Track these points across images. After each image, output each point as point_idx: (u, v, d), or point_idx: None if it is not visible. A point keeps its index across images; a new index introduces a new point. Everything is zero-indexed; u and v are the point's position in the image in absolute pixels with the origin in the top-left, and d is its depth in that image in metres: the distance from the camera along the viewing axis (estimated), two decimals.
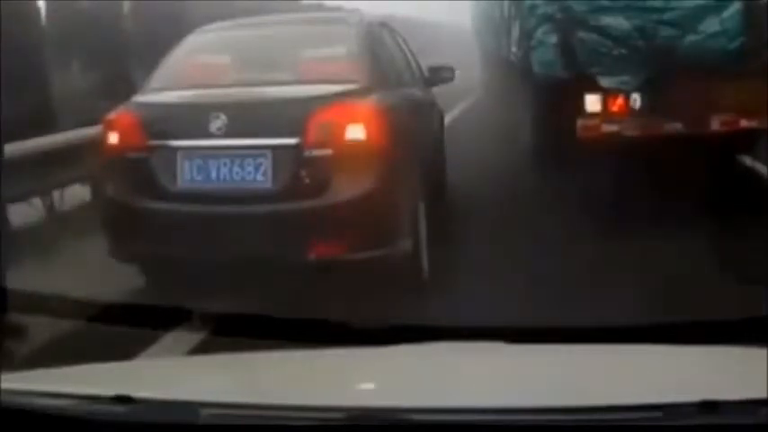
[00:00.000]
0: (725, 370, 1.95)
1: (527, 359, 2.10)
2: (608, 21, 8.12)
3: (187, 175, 5.59)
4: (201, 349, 4.15)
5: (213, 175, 5.56)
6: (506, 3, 11.91)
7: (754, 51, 7.70)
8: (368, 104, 5.69)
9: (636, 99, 7.93)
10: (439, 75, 7.84)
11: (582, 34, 8.22)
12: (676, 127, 7.83)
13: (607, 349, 2.16)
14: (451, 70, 7.97)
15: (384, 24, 7.57)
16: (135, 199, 5.67)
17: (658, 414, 1.54)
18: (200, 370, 2.28)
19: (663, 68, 7.80)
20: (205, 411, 1.70)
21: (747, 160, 9.33)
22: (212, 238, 5.48)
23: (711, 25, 7.86)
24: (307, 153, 5.44)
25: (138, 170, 5.66)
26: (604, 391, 1.79)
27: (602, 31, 8.15)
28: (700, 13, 7.83)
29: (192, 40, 6.65)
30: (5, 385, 1.81)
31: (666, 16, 7.90)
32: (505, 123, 11.43)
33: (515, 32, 10.63)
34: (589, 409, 1.59)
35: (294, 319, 2.85)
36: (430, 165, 6.87)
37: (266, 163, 5.49)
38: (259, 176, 5.50)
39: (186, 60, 6.46)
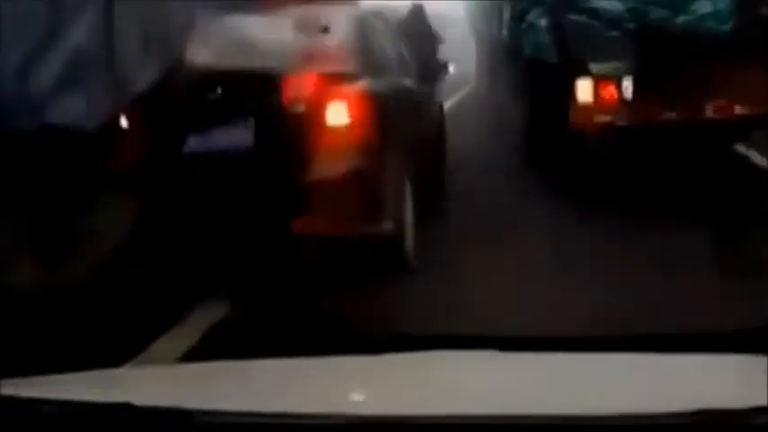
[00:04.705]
0: (722, 378, 1.96)
1: (522, 368, 2.10)
2: (599, 3, 8.11)
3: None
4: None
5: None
6: None
7: (746, 33, 7.66)
8: (355, 89, 5.84)
9: (627, 86, 7.88)
10: (434, 70, 8.25)
11: (573, 16, 8.20)
12: (669, 115, 7.80)
13: (602, 358, 2.17)
14: (445, 66, 8.39)
15: (379, 15, 7.78)
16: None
17: (654, 423, 1.54)
18: (197, 377, 2.28)
19: (655, 52, 7.77)
20: (203, 419, 1.71)
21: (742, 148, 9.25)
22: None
23: (703, 6, 7.84)
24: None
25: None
26: (599, 400, 1.79)
27: (594, 14, 8.13)
28: None
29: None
30: (5, 391, 1.81)
31: None
32: (501, 110, 11.40)
33: (506, 16, 10.61)
34: (583, 418, 1.59)
35: (287, 325, 2.86)
36: (422, 151, 7.02)
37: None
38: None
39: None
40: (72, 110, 5.49)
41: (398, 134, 6.23)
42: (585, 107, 7.89)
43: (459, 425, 1.62)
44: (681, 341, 2.19)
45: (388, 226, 5.76)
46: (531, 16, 9.03)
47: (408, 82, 7.41)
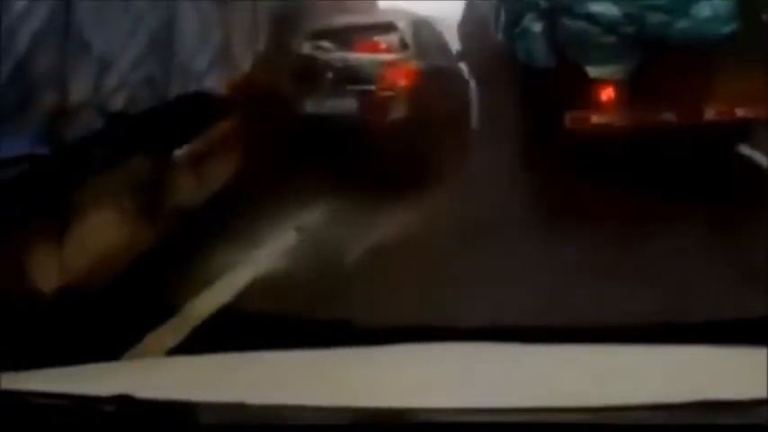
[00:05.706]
0: (724, 370, 1.95)
1: (530, 360, 2.10)
2: (596, 8, 8.06)
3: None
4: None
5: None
6: None
7: (747, 36, 7.62)
8: (411, 67, 9.73)
9: (625, 89, 7.86)
10: (461, 55, 12.16)
11: (569, 22, 8.16)
12: (668, 117, 7.77)
13: (606, 349, 2.17)
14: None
15: (426, 21, 11.52)
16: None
17: (656, 414, 1.54)
18: (199, 369, 2.28)
19: (653, 56, 7.73)
20: (205, 411, 1.70)
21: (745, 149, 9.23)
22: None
23: (703, 10, 7.78)
24: (379, 93, 9.34)
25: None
26: (603, 392, 1.79)
27: (591, 19, 8.09)
28: None
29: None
30: (5, 385, 1.81)
31: (656, 1, 7.83)
32: (498, 112, 11.43)
33: (501, 20, 10.58)
34: (586, 410, 1.59)
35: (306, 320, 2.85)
36: (453, 106, 10.77)
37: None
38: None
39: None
40: (210, 81, 8.17)
41: (436, 93, 9.79)
42: (582, 108, 7.88)
43: (465, 418, 1.61)
44: (681, 333, 2.19)
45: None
46: (525, 21, 8.97)
47: (445, 62, 11.21)
